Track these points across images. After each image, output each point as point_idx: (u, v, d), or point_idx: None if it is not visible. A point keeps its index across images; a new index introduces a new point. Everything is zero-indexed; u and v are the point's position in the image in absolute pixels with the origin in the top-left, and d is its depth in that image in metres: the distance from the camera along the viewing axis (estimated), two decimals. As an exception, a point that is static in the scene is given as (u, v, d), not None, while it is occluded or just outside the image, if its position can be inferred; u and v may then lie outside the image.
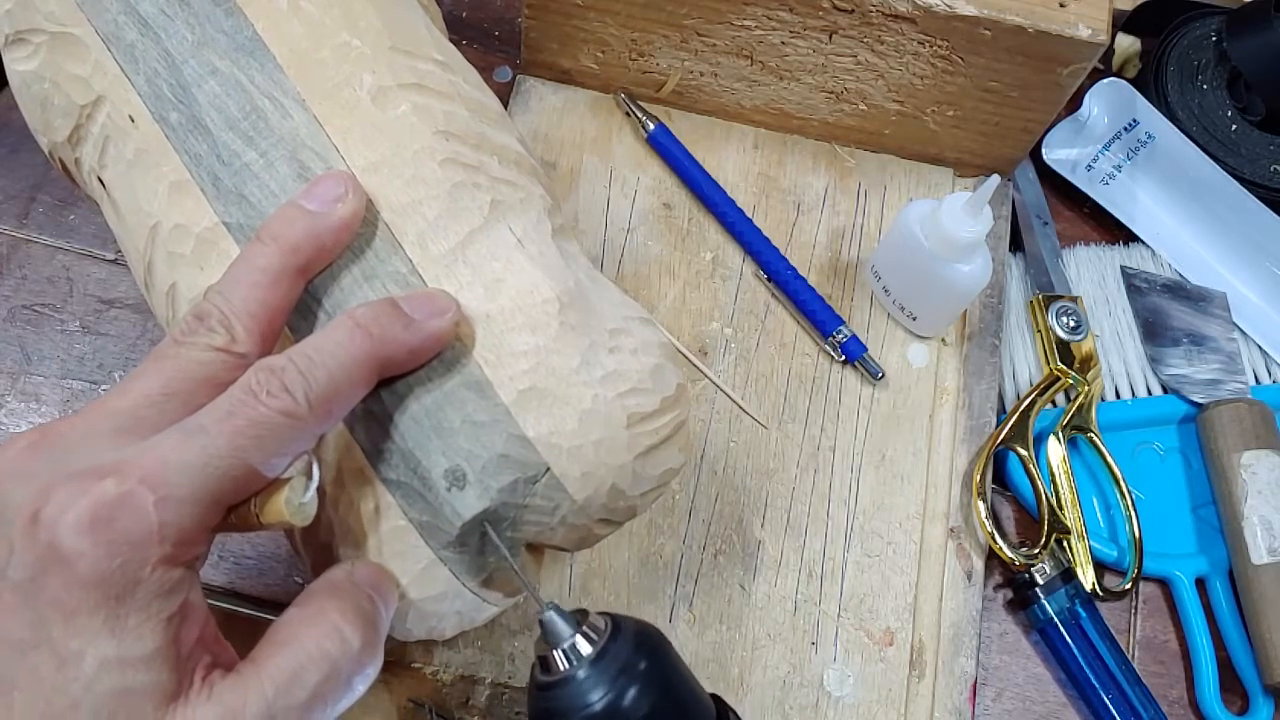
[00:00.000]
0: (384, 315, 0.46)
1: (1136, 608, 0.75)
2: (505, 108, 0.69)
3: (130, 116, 0.52)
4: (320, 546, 0.51)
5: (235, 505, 0.43)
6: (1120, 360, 0.80)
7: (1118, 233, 0.85)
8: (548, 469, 0.48)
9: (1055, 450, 0.75)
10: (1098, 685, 0.70)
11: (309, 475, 0.45)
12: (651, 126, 0.80)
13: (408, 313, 0.47)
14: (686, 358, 0.75)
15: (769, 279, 0.77)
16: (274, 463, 0.43)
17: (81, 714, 0.38)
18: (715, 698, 0.50)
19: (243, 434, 0.41)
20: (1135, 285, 0.82)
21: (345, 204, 0.48)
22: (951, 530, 0.73)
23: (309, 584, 0.47)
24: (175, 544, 0.40)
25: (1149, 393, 0.79)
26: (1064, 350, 0.77)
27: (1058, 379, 0.76)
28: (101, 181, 0.54)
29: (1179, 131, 0.85)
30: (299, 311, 0.49)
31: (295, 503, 0.43)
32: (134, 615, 0.39)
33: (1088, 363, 0.77)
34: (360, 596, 0.46)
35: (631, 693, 0.46)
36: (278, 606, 0.68)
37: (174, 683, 0.40)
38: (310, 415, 0.43)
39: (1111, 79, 0.86)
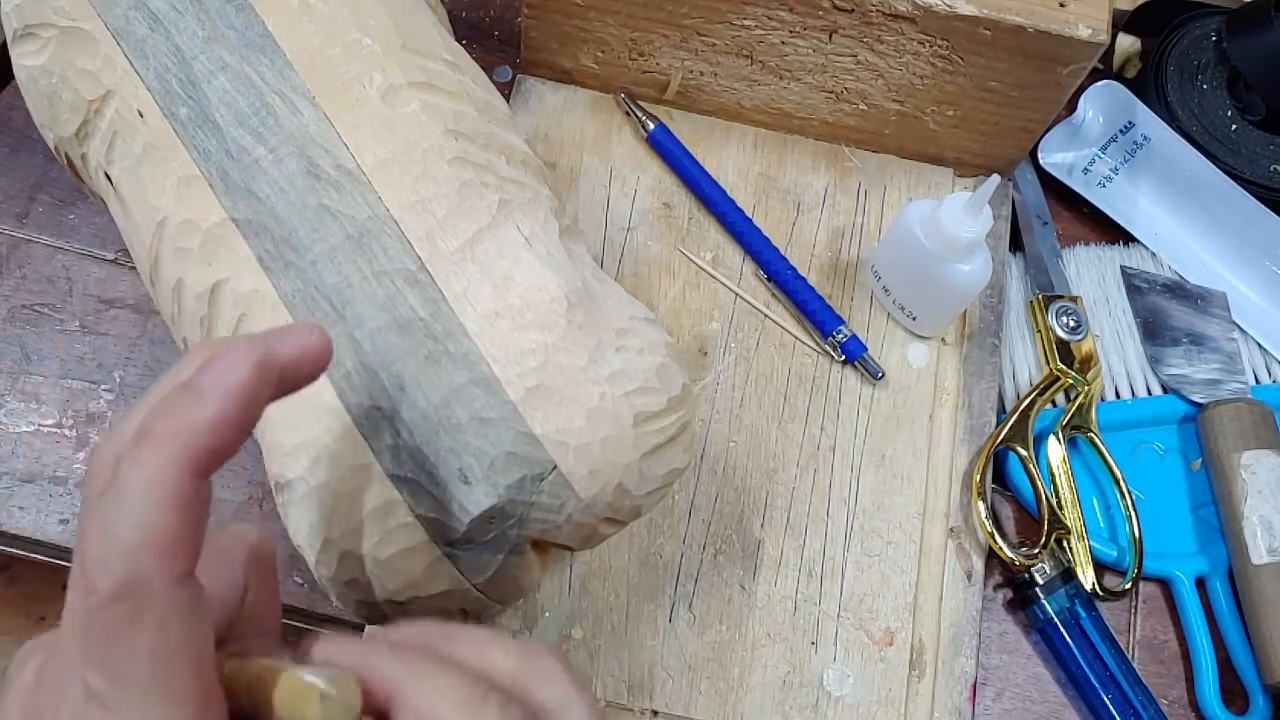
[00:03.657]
0: (165, 406, 0.37)
1: (1136, 608, 0.75)
2: (507, 107, 0.69)
3: (139, 111, 0.52)
4: (325, 542, 0.51)
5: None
6: (1120, 360, 0.80)
7: (1117, 233, 0.85)
8: (555, 467, 0.49)
9: (1055, 450, 0.75)
10: (1098, 685, 0.70)
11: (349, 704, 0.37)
12: (651, 126, 0.80)
13: (194, 385, 0.37)
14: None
15: (769, 279, 0.77)
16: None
17: None
18: None
19: (75, 634, 0.36)
20: (1135, 285, 0.82)
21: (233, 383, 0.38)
22: (951, 530, 0.73)
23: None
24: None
25: (1149, 393, 0.79)
26: (1064, 350, 0.77)
27: (1058, 379, 0.76)
28: (108, 177, 0.54)
29: (1175, 132, 0.85)
30: (308, 306, 0.49)
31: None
32: None
33: (1088, 363, 0.77)
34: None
35: None
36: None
37: None
38: (126, 585, 0.35)
39: (1106, 81, 0.86)
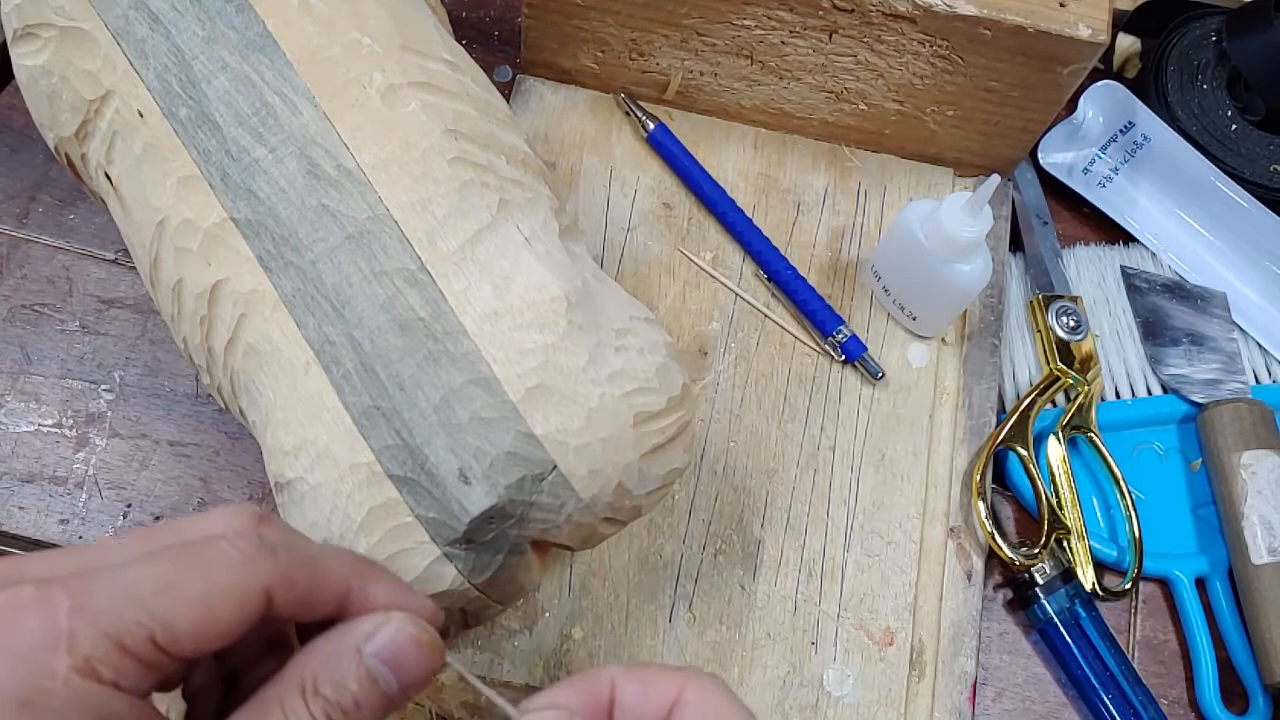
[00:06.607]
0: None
1: (1136, 608, 0.75)
2: (507, 107, 0.69)
3: (139, 111, 0.52)
4: (325, 543, 0.51)
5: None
6: (1120, 360, 0.80)
7: (1117, 233, 0.85)
8: (554, 466, 0.49)
9: (1055, 450, 0.75)
10: (1098, 685, 0.70)
11: None
12: (651, 126, 0.80)
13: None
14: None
15: (769, 279, 0.77)
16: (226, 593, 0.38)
17: None
18: None
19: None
20: (1135, 285, 0.82)
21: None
22: (951, 530, 0.73)
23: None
24: (91, 657, 0.35)
25: (1149, 393, 0.79)
26: (1064, 350, 0.77)
27: (1058, 379, 0.76)
28: (108, 177, 0.54)
29: (1176, 132, 0.85)
30: (308, 306, 0.49)
31: None
32: None
33: (1088, 363, 0.77)
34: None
35: None
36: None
37: None
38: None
39: (1106, 81, 0.86)
